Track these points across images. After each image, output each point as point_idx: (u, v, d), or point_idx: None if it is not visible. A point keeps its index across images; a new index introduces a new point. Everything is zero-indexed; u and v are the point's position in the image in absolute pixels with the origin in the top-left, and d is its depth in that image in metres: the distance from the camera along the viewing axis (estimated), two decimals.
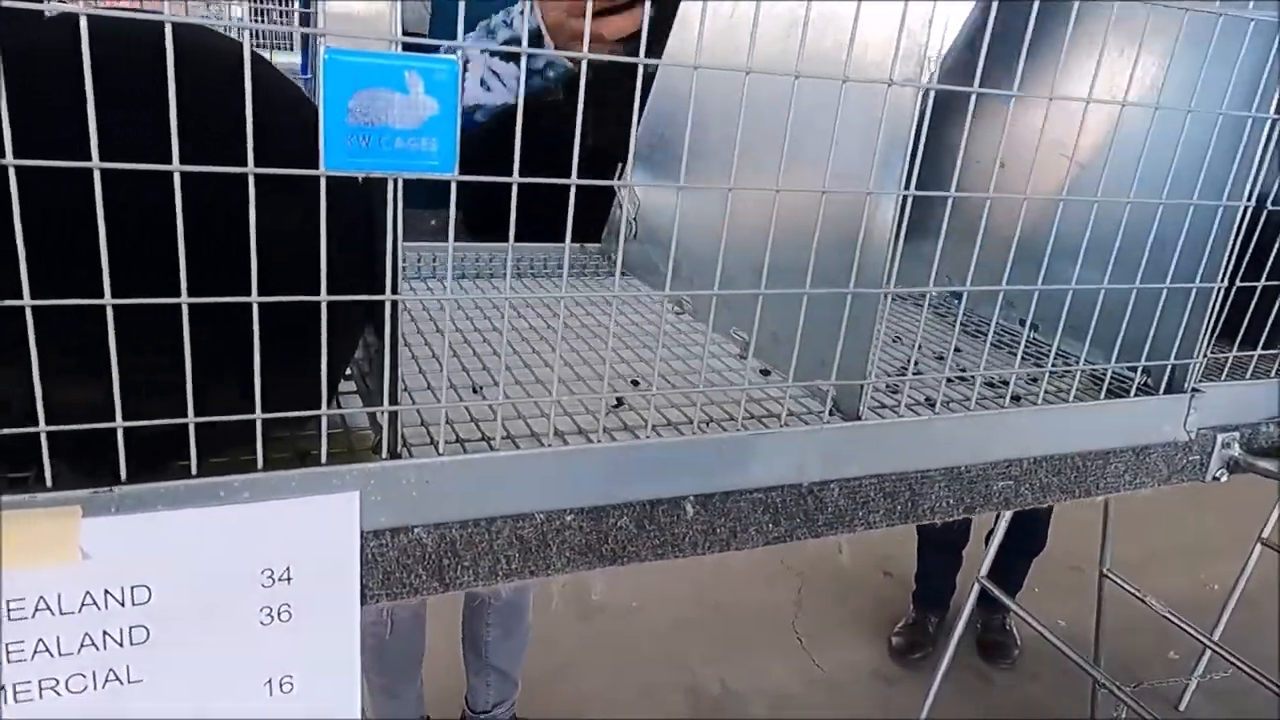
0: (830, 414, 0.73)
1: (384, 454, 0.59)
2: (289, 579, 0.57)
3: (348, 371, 0.72)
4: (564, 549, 0.65)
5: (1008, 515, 2.04)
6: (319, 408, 0.59)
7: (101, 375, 0.50)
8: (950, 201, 0.67)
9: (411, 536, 0.60)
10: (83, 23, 0.44)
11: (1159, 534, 3.03)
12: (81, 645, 0.53)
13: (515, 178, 0.54)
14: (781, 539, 0.72)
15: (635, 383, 0.79)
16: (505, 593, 1.69)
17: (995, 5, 0.62)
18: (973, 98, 0.64)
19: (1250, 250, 0.83)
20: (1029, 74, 0.68)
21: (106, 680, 0.54)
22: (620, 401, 0.74)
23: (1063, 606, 2.62)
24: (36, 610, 0.51)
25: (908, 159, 0.64)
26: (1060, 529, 2.44)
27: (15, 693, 0.52)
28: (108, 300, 0.49)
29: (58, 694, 0.53)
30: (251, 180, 0.49)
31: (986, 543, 2.19)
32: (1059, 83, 0.69)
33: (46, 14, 0.47)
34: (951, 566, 2.56)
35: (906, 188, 0.65)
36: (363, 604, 0.60)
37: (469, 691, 1.94)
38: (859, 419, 0.72)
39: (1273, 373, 0.95)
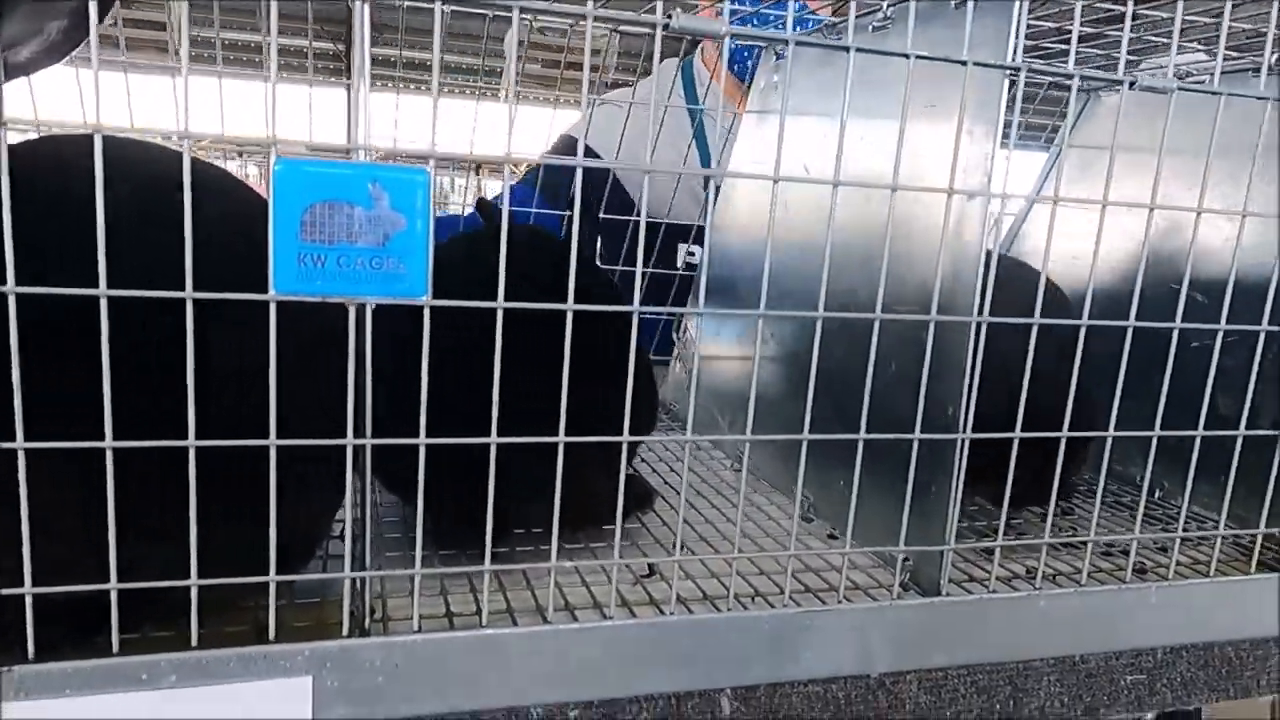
0: (903, 587, 0.60)
1: (345, 630, 0.49)
2: None
3: (337, 530, 0.64)
4: None
5: None
6: (290, 569, 0.51)
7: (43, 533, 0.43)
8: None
9: None
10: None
11: None
12: None
13: (500, 301, 0.47)
14: None
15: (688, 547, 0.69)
16: None
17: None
18: (1053, 206, 0.54)
19: None
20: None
21: None
22: (652, 570, 0.63)
23: None
24: None
25: (980, 274, 0.54)
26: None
27: None
28: (20, 445, 0.42)
29: None
30: (190, 305, 0.43)
31: None
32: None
33: None
34: None
35: (980, 311, 0.55)
36: None
37: None
38: (940, 594, 0.59)
39: None
